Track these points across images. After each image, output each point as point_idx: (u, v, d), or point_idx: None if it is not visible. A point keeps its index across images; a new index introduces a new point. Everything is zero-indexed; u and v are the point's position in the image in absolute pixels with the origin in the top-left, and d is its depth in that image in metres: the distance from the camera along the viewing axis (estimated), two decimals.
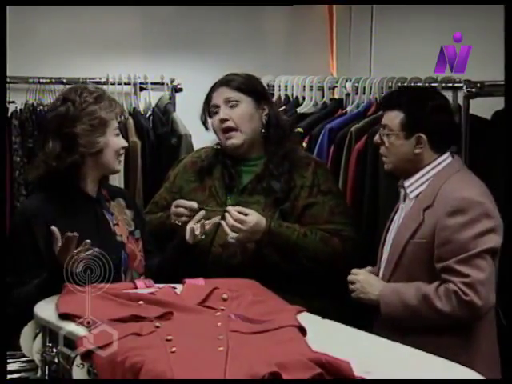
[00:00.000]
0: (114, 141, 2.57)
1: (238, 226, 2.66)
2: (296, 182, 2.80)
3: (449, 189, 2.49)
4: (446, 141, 2.59)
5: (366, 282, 2.59)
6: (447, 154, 2.58)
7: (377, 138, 2.64)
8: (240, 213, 2.67)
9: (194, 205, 2.73)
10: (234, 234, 2.67)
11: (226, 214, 2.68)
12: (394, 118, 2.56)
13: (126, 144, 2.64)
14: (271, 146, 2.83)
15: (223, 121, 2.81)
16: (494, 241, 2.45)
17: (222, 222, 2.68)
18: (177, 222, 2.74)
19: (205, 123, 2.91)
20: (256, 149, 2.86)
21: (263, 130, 2.84)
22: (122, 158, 2.67)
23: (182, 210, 2.74)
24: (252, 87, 2.84)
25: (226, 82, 2.84)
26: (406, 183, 2.58)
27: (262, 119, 2.84)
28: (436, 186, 2.51)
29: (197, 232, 2.64)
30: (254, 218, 2.67)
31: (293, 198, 2.78)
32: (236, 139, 2.81)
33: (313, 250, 2.72)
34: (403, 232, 2.54)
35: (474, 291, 2.39)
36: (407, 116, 2.54)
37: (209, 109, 2.87)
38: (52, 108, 2.62)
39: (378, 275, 2.63)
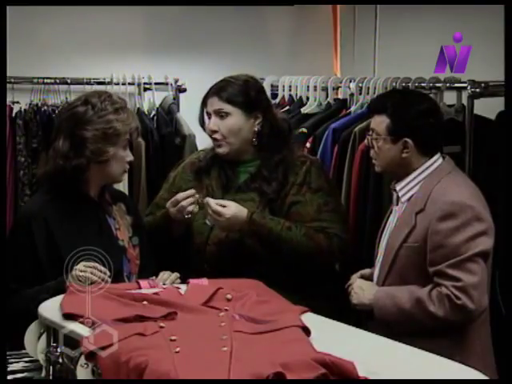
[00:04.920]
0: (122, 153, 2.58)
1: (215, 217, 2.71)
2: (289, 180, 2.82)
3: (440, 192, 2.49)
4: (434, 144, 2.59)
5: (358, 287, 2.62)
6: (437, 156, 2.58)
7: (366, 141, 2.65)
8: (219, 205, 2.71)
9: (192, 191, 2.78)
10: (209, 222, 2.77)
11: (206, 205, 2.72)
12: (380, 123, 2.57)
13: (132, 158, 2.64)
14: (264, 152, 2.85)
15: (212, 131, 2.84)
16: (486, 244, 2.45)
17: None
18: (186, 215, 2.76)
19: (203, 126, 2.95)
20: (250, 153, 2.88)
21: (254, 139, 2.85)
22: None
23: (184, 202, 2.75)
24: (244, 98, 2.82)
25: (217, 91, 2.83)
26: (398, 186, 2.59)
27: (253, 128, 2.84)
28: (427, 190, 2.52)
29: (190, 208, 2.72)
30: (231, 209, 2.70)
31: (282, 196, 2.81)
32: (223, 148, 2.85)
33: (296, 243, 2.72)
34: (396, 236, 2.55)
35: (467, 295, 2.40)
36: (393, 121, 2.54)
37: (204, 113, 2.90)
38: (71, 106, 2.60)
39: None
